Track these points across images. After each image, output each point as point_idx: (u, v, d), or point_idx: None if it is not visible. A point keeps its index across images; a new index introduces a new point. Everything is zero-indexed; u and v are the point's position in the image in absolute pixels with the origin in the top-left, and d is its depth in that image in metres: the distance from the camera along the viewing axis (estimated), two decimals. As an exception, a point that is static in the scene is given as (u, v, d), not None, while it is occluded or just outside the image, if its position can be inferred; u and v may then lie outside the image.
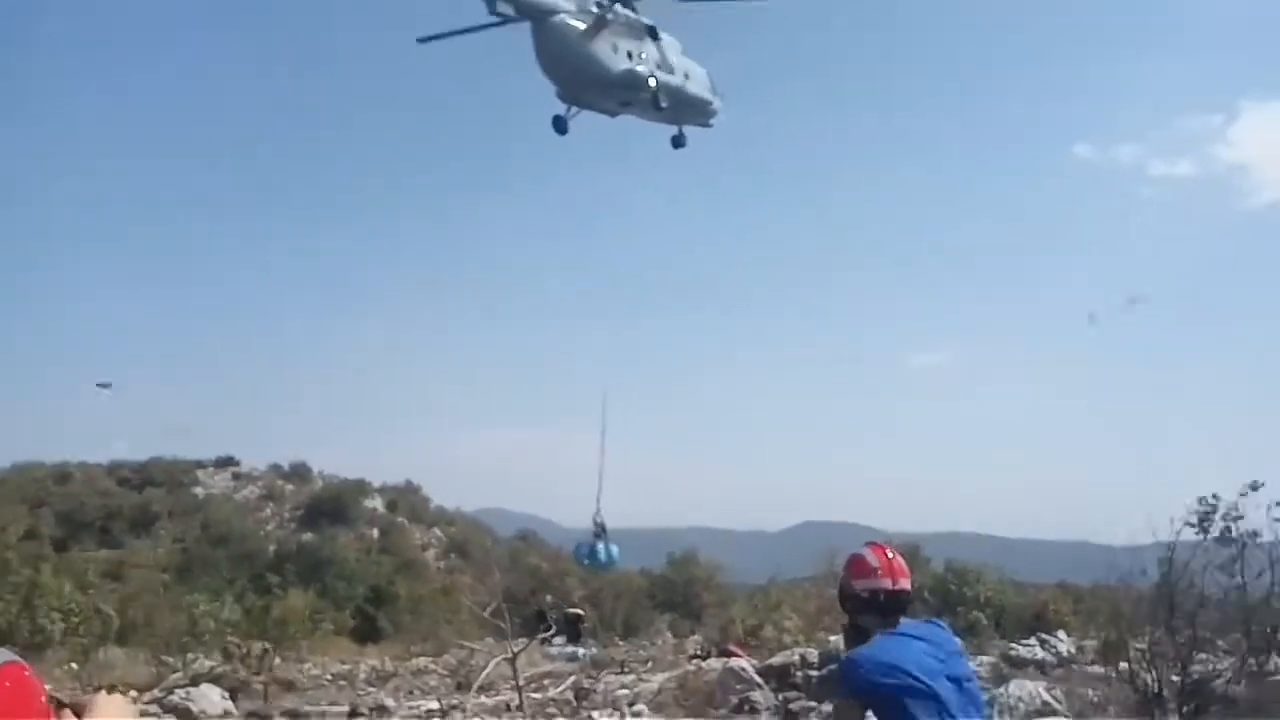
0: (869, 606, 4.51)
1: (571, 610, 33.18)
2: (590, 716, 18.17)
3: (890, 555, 4.63)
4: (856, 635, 4.56)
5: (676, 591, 51.61)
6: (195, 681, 22.32)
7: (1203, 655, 15.89)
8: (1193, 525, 15.15)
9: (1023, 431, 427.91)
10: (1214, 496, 15.27)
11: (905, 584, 4.54)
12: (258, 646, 24.92)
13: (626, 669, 25.23)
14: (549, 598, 36.37)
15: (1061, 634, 28.98)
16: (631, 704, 19.02)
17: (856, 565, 4.61)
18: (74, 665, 24.54)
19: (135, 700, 2.19)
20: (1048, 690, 17.08)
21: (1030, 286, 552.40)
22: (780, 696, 18.93)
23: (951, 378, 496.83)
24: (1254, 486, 15.11)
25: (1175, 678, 15.21)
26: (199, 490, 72.13)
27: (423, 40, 22.79)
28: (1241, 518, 15.14)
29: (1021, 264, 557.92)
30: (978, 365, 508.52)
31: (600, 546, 21.02)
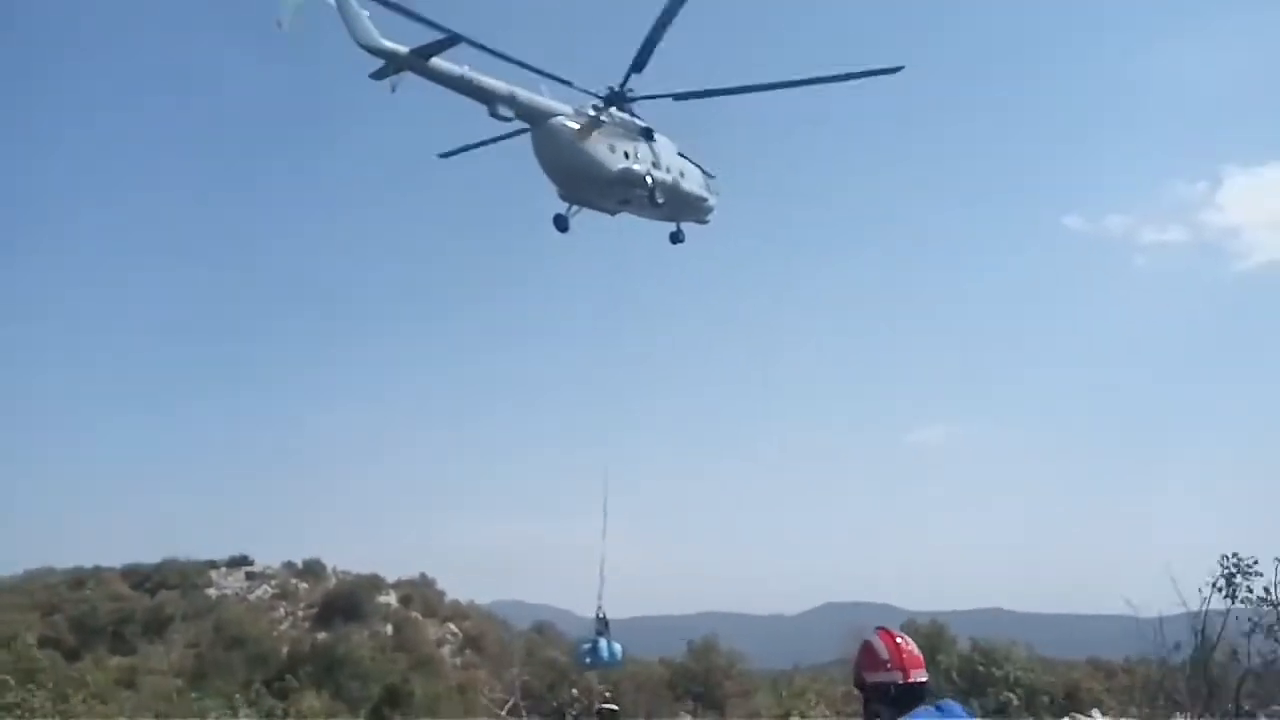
0: (881, 698, 4.46)
1: (605, 705, 32.05)
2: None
3: (901, 644, 4.56)
4: None
5: (698, 681, 50.26)
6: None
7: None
8: (1219, 589, 14.77)
9: (1041, 504, 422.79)
10: (1234, 555, 14.91)
11: (919, 676, 4.48)
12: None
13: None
14: (574, 691, 35.09)
15: (1095, 712, 28.13)
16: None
17: (867, 656, 4.57)
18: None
19: None
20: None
21: (1028, 358, 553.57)
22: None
23: (955, 453, 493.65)
24: None
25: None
26: (212, 591, 71.34)
27: (444, 155, 23.47)
28: (1258, 574, 14.71)
29: (1018, 336, 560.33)
30: (985, 438, 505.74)
31: (603, 644, 18.87)
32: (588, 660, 19.40)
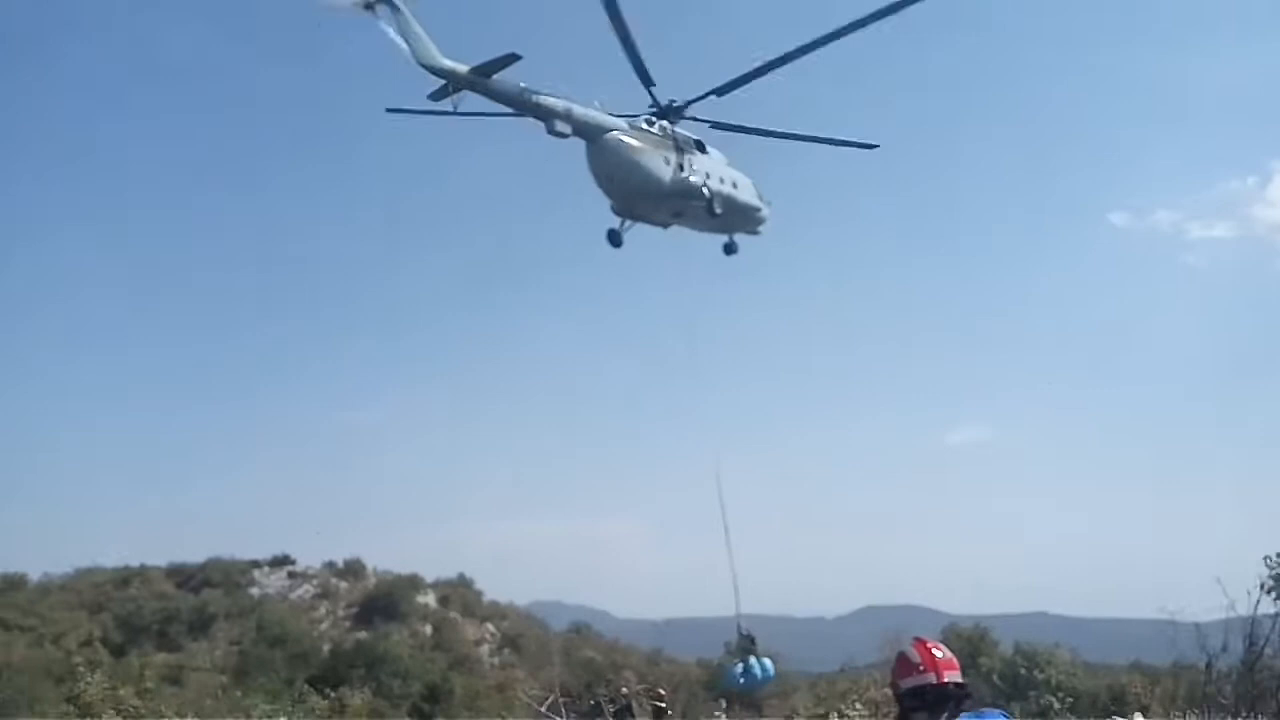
0: (919, 704, 4.54)
1: (656, 703, 31.79)
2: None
3: (933, 649, 4.64)
4: None
5: (735, 682, 50.14)
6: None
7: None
8: (1268, 590, 14.41)
9: (1087, 506, 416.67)
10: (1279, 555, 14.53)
11: (952, 676, 4.54)
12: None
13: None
14: (624, 689, 34.96)
15: (1139, 717, 27.68)
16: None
17: (901, 664, 4.67)
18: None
19: None
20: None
21: (1073, 356, 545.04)
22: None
23: (1003, 453, 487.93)
24: None
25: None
26: (255, 590, 72.47)
27: (391, 110, 22.59)
28: None
29: (1064, 334, 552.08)
30: (1028, 439, 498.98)
31: (755, 662, 17.78)
32: (741, 681, 18.22)
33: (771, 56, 21.49)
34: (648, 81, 21.08)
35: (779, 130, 23.45)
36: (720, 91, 21.80)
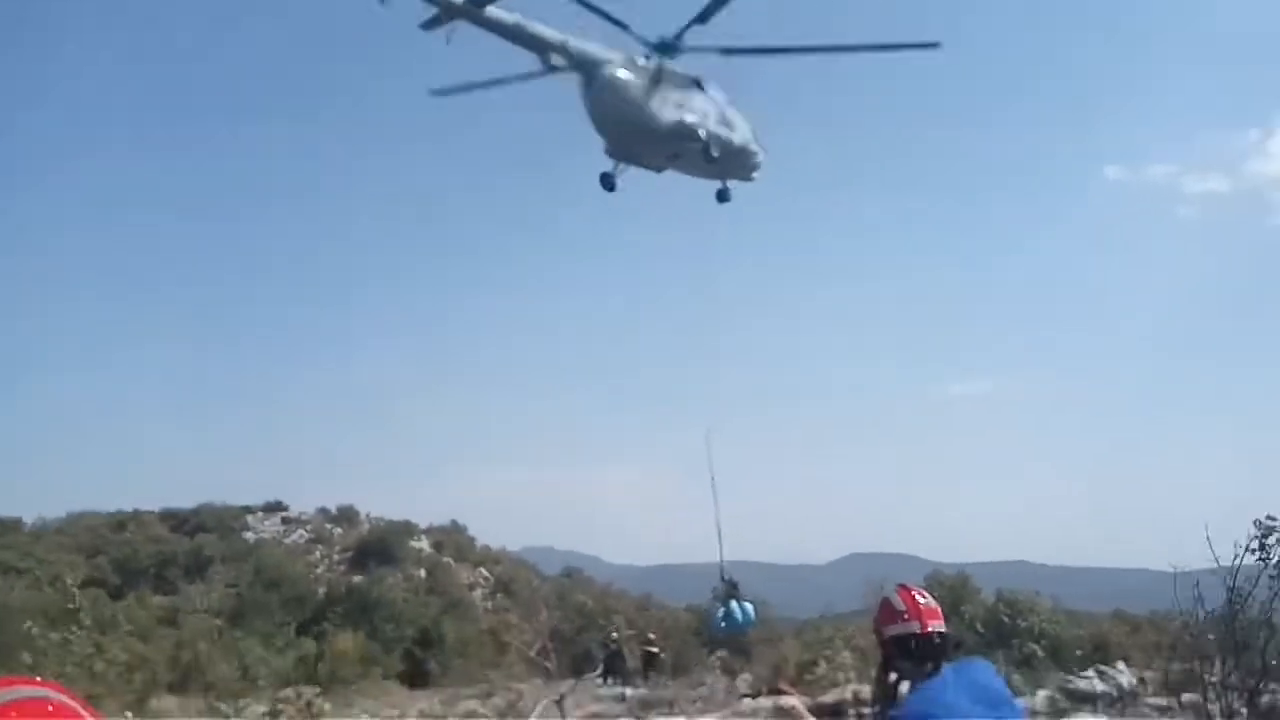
0: (901, 652, 4.40)
1: (647, 648, 32.41)
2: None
3: (917, 597, 4.49)
4: (889, 679, 4.45)
5: (724, 627, 50.86)
6: (247, 728, 22.37)
7: (1273, 685, 15.37)
8: (1253, 551, 14.59)
9: (1071, 458, 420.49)
10: (1269, 517, 14.67)
11: (936, 625, 4.40)
12: (309, 692, 24.91)
13: (677, 709, 24.97)
14: (615, 634, 35.53)
15: (1121, 665, 28.25)
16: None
17: (884, 610, 4.52)
18: (129, 714, 24.70)
19: None
20: (1110, 725, 16.58)
21: (1068, 311, 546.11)
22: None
23: (994, 406, 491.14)
24: None
25: (1243, 709, 14.72)
26: (250, 535, 72.98)
27: (438, 93, 22.75)
28: None
29: (1059, 289, 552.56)
30: (1020, 392, 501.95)
31: (735, 607, 18.29)
32: (723, 625, 18.70)
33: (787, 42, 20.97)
34: (703, 19, 20.00)
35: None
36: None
